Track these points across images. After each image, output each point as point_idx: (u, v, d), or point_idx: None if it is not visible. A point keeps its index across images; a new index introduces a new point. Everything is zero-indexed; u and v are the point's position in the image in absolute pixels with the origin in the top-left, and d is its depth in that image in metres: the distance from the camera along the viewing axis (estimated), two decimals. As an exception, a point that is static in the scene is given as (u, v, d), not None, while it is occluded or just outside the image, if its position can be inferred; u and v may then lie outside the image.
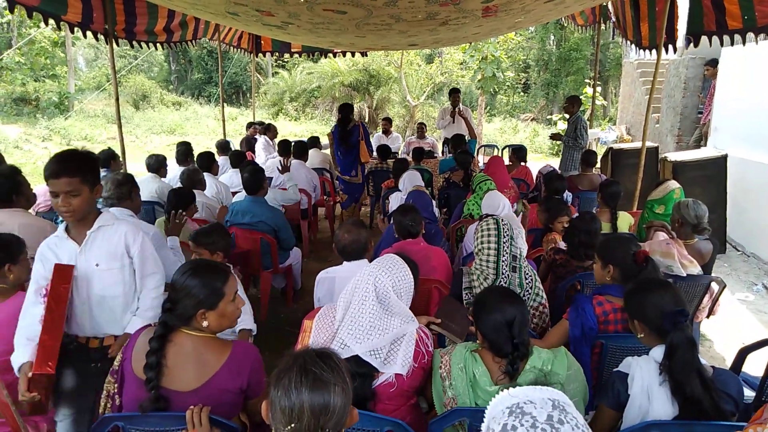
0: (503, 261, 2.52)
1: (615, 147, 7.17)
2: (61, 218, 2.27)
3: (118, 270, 2.24)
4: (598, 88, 13.20)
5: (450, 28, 4.48)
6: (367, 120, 17.16)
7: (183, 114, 20.01)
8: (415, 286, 2.02)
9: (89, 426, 2.23)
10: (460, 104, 8.03)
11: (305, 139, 7.70)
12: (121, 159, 5.10)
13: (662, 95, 9.99)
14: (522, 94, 23.70)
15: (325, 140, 8.61)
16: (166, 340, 1.69)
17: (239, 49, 8.75)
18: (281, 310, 4.48)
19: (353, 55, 9.33)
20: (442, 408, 1.80)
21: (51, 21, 4.41)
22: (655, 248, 3.00)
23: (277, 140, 7.41)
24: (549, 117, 19.24)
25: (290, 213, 5.16)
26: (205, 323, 1.71)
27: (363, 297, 1.85)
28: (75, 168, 2.05)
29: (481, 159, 9.23)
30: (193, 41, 7.04)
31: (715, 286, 3.03)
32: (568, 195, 4.89)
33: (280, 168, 5.16)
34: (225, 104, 9.74)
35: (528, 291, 2.56)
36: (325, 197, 6.54)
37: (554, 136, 7.26)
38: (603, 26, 6.97)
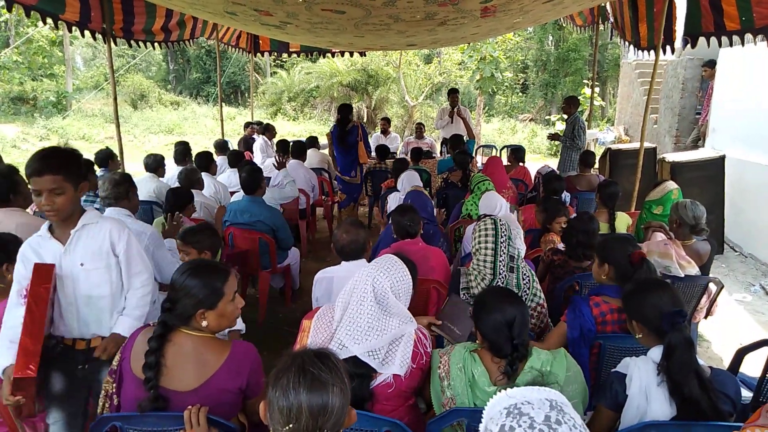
0: (500, 261, 2.52)
1: (613, 147, 7.18)
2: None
3: (104, 269, 2.20)
4: (597, 89, 13.19)
5: (448, 29, 4.48)
6: (365, 120, 17.18)
7: (181, 113, 19.99)
8: (413, 287, 2.02)
9: (82, 429, 2.22)
10: (459, 104, 8.04)
11: (303, 139, 7.68)
12: (119, 158, 5.09)
13: (660, 96, 10.01)
14: (520, 94, 23.74)
15: (323, 140, 8.60)
16: (166, 339, 1.68)
17: (237, 49, 8.75)
18: (279, 309, 4.48)
19: (352, 55, 9.32)
20: (440, 408, 1.80)
21: (49, 20, 4.41)
22: (653, 249, 3.00)
23: (275, 140, 7.41)
24: (547, 117, 19.28)
25: (288, 213, 5.15)
26: (204, 323, 1.71)
27: (361, 298, 1.85)
28: (58, 165, 1.99)
29: (480, 159, 9.23)
30: (191, 40, 7.03)
31: (712, 286, 3.04)
32: (566, 195, 4.90)
33: (275, 164, 5.12)
34: (223, 104, 9.74)
35: (526, 291, 2.56)
36: (323, 197, 6.53)
37: (552, 137, 7.27)
38: (601, 27, 6.97)
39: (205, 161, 5.11)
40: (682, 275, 2.91)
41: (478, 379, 1.75)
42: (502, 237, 2.54)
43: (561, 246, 3.21)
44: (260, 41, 8.85)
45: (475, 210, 4.05)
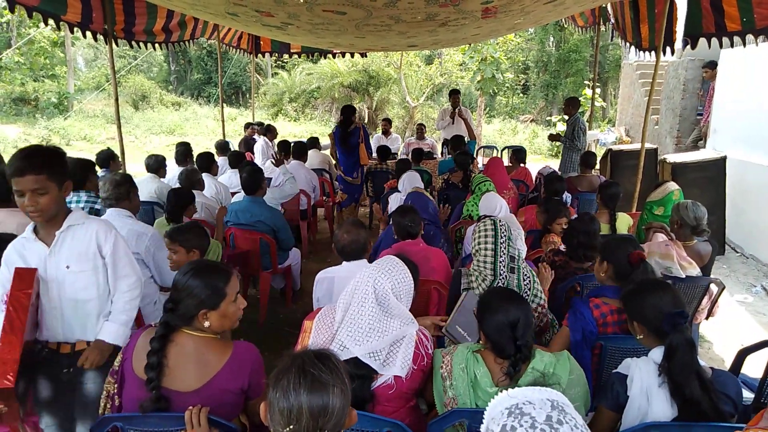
0: (501, 262, 2.52)
1: (614, 148, 7.18)
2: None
3: (90, 272, 2.13)
4: (598, 90, 13.21)
5: (449, 29, 4.48)
6: (366, 121, 17.18)
7: (182, 114, 20.02)
8: (415, 288, 2.02)
9: None
10: (460, 105, 8.04)
11: (305, 139, 7.69)
12: (120, 159, 5.10)
13: (661, 97, 10.01)
14: (521, 95, 23.74)
15: (324, 141, 8.61)
16: (168, 340, 1.68)
17: (239, 50, 8.75)
18: (280, 310, 4.48)
19: (353, 55, 9.34)
20: (442, 408, 1.80)
21: (50, 21, 4.42)
22: (654, 249, 3.00)
23: (276, 141, 7.42)
24: (548, 118, 19.27)
25: (289, 213, 5.15)
26: (206, 323, 1.71)
27: (362, 299, 1.85)
28: (41, 164, 1.92)
29: (481, 160, 9.24)
30: (192, 41, 7.04)
31: (714, 287, 3.03)
32: (567, 196, 4.90)
33: (273, 162, 5.08)
34: (224, 105, 9.75)
35: (526, 292, 2.56)
36: (324, 198, 6.54)
37: (553, 137, 7.27)
38: (603, 28, 6.97)
39: (207, 162, 5.12)
40: (684, 276, 2.90)
41: (481, 379, 1.75)
42: (501, 237, 2.54)
43: (562, 247, 3.20)
44: (261, 42, 8.86)
45: (476, 211, 4.05)
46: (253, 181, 4.13)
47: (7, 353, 1.87)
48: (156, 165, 4.89)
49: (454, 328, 2.14)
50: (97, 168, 4.75)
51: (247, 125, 9.10)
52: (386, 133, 8.94)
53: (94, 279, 2.15)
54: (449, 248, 3.74)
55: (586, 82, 17.13)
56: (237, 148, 7.67)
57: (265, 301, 4.21)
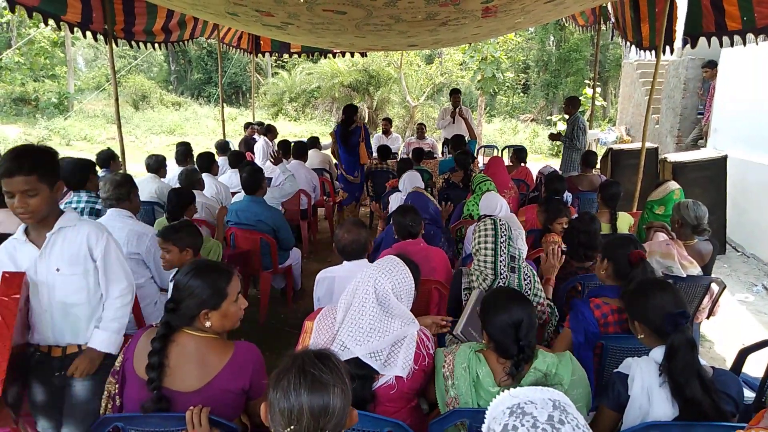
0: (501, 261, 2.52)
1: (615, 148, 7.18)
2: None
3: (80, 275, 2.08)
4: (598, 89, 13.20)
5: (450, 29, 4.48)
6: (367, 120, 17.18)
7: (182, 114, 20.02)
8: (416, 288, 2.02)
9: None
10: (461, 105, 8.04)
11: (305, 139, 7.69)
12: (120, 159, 5.10)
13: (662, 96, 10.00)
14: (522, 94, 23.73)
15: (324, 140, 8.61)
16: (169, 340, 1.68)
17: (239, 50, 8.75)
18: (281, 310, 4.48)
19: (353, 55, 9.33)
20: (444, 407, 1.80)
21: (51, 21, 4.42)
22: (655, 249, 3.00)
23: (276, 141, 7.41)
24: (549, 118, 19.28)
25: (290, 213, 5.15)
26: (207, 323, 1.71)
27: (363, 299, 1.85)
28: (31, 165, 1.87)
29: (481, 159, 9.24)
30: (191, 40, 7.04)
31: (715, 286, 3.03)
32: (568, 196, 4.90)
33: (272, 159, 5.07)
34: (224, 104, 9.74)
35: (527, 292, 2.56)
36: (324, 197, 6.54)
37: (553, 137, 7.27)
38: (603, 27, 6.97)
39: (207, 162, 5.12)
40: (684, 275, 2.90)
41: (483, 379, 1.75)
42: (501, 237, 2.54)
43: (563, 246, 3.20)
44: (261, 42, 8.86)
45: (477, 210, 4.05)
46: (254, 180, 4.13)
47: None
48: (156, 165, 4.89)
49: (467, 330, 2.11)
50: (97, 168, 4.76)
51: (247, 125, 9.09)
52: (387, 132, 8.94)
53: (84, 283, 2.11)
54: (450, 248, 3.74)
55: (587, 81, 17.13)
56: (237, 148, 7.66)
57: (266, 301, 4.21)
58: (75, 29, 4.77)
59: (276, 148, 6.28)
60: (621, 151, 6.99)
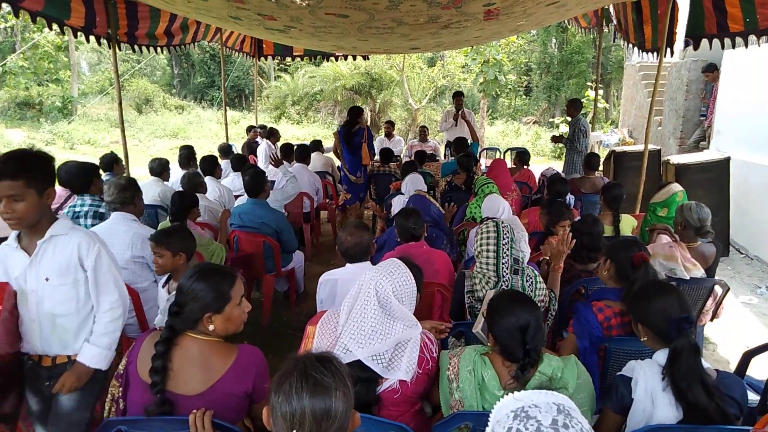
0: (503, 263, 2.51)
1: (617, 150, 7.16)
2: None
3: (70, 285, 2.03)
4: (600, 91, 13.13)
5: (452, 32, 4.48)
6: (369, 123, 17.18)
7: (186, 118, 20.07)
8: (418, 291, 2.01)
9: None
10: (463, 107, 8.04)
11: (307, 142, 7.70)
12: (123, 163, 5.12)
13: (664, 98, 9.98)
14: (524, 97, 23.75)
15: (327, 143, 8.62)
16: (172, 343, 1.68)
17: (241, 53, 8.78)
18: (284, 313, 4.48)
19: (355, 58, 9.36)
20: (448, 410, 1.80)
21: (54, 26, 4.45)
22: (658, 251, 2.99)
23: (279, 144, 7.42)
24: (551, 120, 19.26)
25: (293, 216, 5.15)
26: (211, 327, 1.71)
27: (365, 301, 1.85)
28: (17, 170, 1.82)
29: (484, 162, 9.24)
30: (194, 43, 7.07)
31: (718, 289, 3.02)
32: (570, 198, 4.89)
33: (272, 163, 5.06)
34: (227, 108, 9.75)
35: (530, 294, 2.55)
36: (327, 200, 6.54)
37: (555, 139, 7.27)
38: (605, 29, 6.97)
39: (210, 165, 5.13)
40: (688, 278, 2.89)
41: (488, 382, 1.74)
42: (504, 239, 2.54)
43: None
44: (264, 45, 8.89)
45: (479, 213, 4.05)
46: (256, 183, 4.14)
47: None
48: (159, 168, 4.90)
49: (479, 334, 2.11)
50: (101, 171, 4.78)
51: (250, 128, 9.10)
52: (389, 135, 8.95)
53: (74, 293, 2.05)
54: (453, 250, 3.74)
55: (589, 83, 17.08)
56: (240, 152, 7.67)
57: (269, 304, 4.21)
58: (78, 34, 4.80)
59: (279, 151, 6.30)
60: (624, 153, 6.98)
